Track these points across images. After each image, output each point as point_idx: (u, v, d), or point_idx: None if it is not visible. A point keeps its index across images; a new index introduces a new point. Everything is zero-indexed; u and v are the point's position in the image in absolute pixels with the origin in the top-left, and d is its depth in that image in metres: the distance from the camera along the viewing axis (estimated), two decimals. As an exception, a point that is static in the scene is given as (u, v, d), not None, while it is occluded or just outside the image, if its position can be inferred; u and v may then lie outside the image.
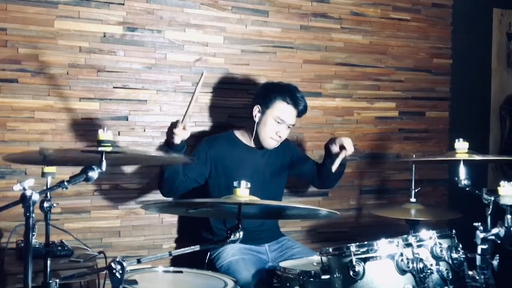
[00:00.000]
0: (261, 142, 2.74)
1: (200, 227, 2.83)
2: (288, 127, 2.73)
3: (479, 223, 2.16)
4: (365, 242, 1.99)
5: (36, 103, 2.79)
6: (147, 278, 2.10)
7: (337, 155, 2.74)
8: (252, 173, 2.74)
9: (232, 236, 1.73)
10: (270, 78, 3.09)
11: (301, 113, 2.74)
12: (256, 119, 2.73)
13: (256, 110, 2.73)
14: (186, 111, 2.44)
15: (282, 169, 2.90)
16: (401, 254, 1.96)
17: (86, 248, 2.61)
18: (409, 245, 2.01)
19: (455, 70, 3.81)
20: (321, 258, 2.08)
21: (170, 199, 2.72)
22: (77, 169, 1.69)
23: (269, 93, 2.73)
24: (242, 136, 2.82)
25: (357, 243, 1.99)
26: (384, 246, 1.98)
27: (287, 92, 2.72)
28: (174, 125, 2.44)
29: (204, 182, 2.75)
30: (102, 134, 1.73)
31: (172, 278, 2.19)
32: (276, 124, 2.69)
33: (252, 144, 2.80)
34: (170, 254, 1.76)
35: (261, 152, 2.81)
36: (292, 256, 2.70)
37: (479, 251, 2.15)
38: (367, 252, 1.97)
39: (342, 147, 2.74)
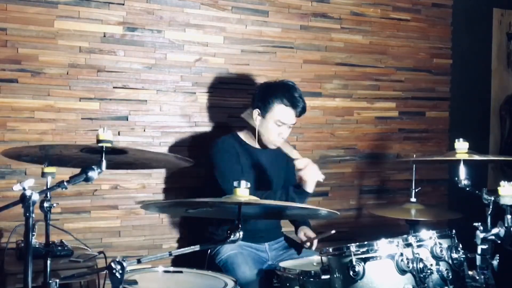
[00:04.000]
0: (266, 145, 2.73)
1: (207, 223, 2.82)
2: (290, 127, 2.73)
3: (479, 223, 2.16)
4: (365, 242, 1.98)
5: (36, 103, 2.79)
6: (147, 278, 2.10)
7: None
8: (259, 174, 2.75)
9: (232, 236, 1.73)
10: (270, 78, 3.07)
11: (300, 113, 2.71)
12: (258, 122, 2.70)
13: (255, 113, 2.70)
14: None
15: (283, 168, 2.91)
16: (401, 254, 1.96)
17: (86, 248, 2.61)
18: (409, 245, 2.01)
19: (455, 70, 3.81)
20: (321, 258, 2.08)
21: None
22: (77, 169, 1.69)
23: (267, 96, 2.68)
24: (246, 137, 2.80)
25: (357, 243, 1.98)
26: (384, 246, 1.98)
27: (284, 93, 2.66)
28: None
29: None
30: (102, 134, 1.73)
31: (172, 278, 2.19)
32: (277, 127, 2.67)
33: (257, 145, 2.78)
34: (170, 254, 1.76)
35: (266, 152, 2.80)
36: (292, 254, 2.71)
37: (479, 251, 2.15)
38: (367, 252, 1.96)
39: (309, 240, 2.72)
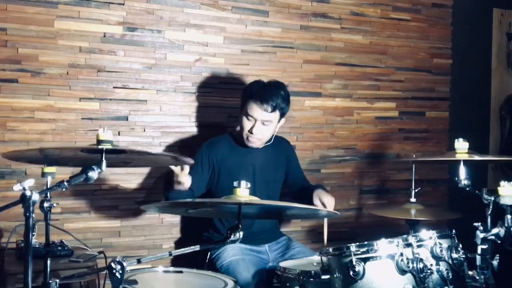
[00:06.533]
0: (245, 142, 2.74)
1: (204, 226, 2.83)
2: (263, 123, 2.69)
3: (479, 223, 2.16)
4: (365, 242, 1.99)
5: (36, 103, 2.79)
6: (147, 278, 2.10)
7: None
8: (254, 173, 2.76)
9: (232, 236, 1.73)
10: (270, 78, 3.07)
11: (272, 108, 2.65)
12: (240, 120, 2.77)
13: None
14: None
15: (281, 166, 2.91)
16: (401, 254, 1.96)
17: (86, 248, 2.61)
18: (409, 245, 2.01)
19: (455, 70, 3.81)
20: (321, 258, 2.08)
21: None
22: (77, 169, 1.69)
23: (243, 97, 2.76)
24: (240, 137, 2.81)
25: (357, 243, 1.99)
26: (384, 246, 1.98)
27: (255, 90, 2.70)
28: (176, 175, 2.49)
29: (206, 189, 2.76)
30: (102, 134, 1.73)
31: (172, 278, 2.19)
32: (247, 121, 2.70)
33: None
34: (170, 254, 1.76)
35: (260, 151, 2.81)
36: (293, 256, 2.69)
37: (479, 251, 2.15)
38: (367, 252, 1.97)
39: (323, 204, 2.71)
